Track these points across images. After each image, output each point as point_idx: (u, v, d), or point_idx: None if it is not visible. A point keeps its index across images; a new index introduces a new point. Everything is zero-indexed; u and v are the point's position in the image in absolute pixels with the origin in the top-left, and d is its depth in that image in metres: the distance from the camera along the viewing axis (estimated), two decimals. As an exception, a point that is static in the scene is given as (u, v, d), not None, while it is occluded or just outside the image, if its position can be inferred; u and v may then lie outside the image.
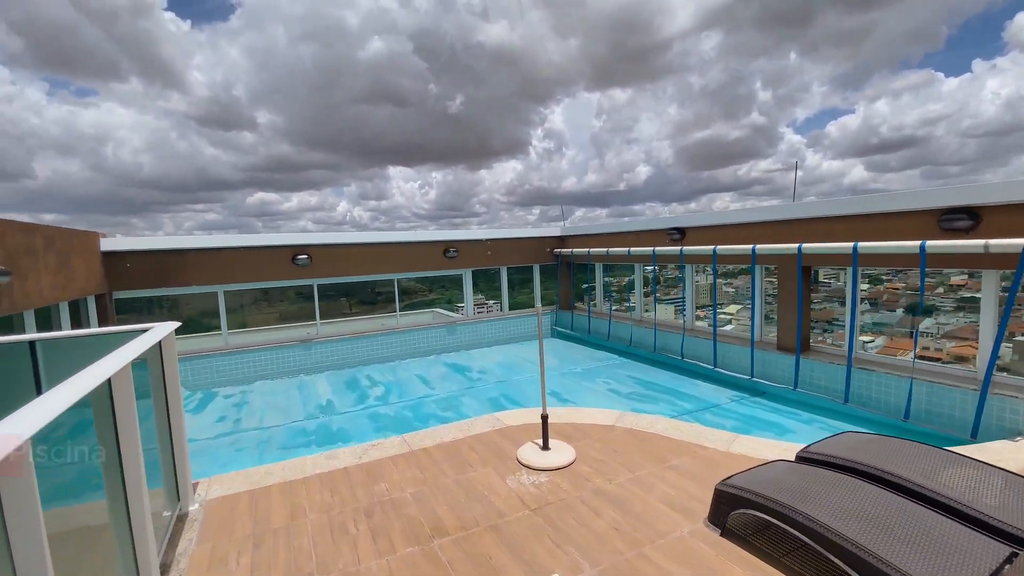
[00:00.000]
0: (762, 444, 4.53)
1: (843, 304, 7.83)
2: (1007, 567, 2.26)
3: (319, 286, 11.15)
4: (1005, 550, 2.36)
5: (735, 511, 3.05)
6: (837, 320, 7.99)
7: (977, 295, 6.03)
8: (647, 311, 11.20)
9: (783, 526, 2.74)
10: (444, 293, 13.16)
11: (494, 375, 9.43)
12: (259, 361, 10.20)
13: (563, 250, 13.17)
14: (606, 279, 12.83)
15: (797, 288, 7.34)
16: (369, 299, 12.14)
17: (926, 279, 5.89)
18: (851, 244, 6.53)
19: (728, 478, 3.28)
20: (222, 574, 3.03)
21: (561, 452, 4.45)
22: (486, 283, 13.17)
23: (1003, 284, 5.64)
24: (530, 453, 4.46)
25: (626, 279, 11.84)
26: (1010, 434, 5.20)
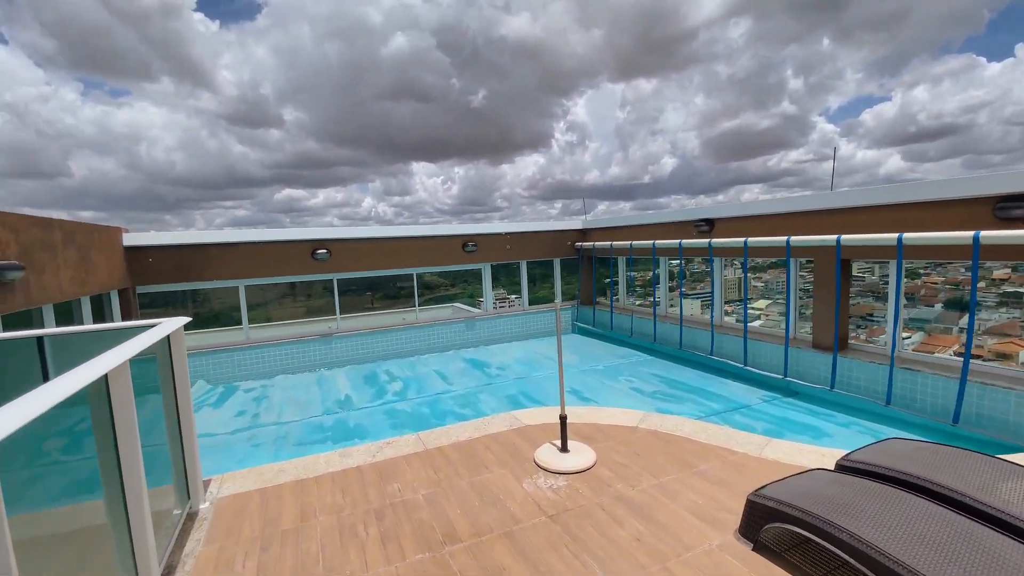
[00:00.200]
0: (797, 449, 4.26)
1: (878, 299, 7.41)
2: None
3: (344, 281, 11.23)
4: (1086, 580, 2.10)
5: (769, 524, 2.84)
6: (872, 316, 7.60)
7: (1022, 290, 5.62)
8: (672, 306, 10.87)
9: (823, 543, 2.52)
10: (467, 288, 13.08)
11: (513, 371, 9.29)
12: (280, 355, 10.32)
13: (584, 244, 12.91)
14: (630, 273, 12.53)
15: (835, 282, 6.96)
16: (393, 293, 12.15)
17: (966, 273, 5.49)
18: (895, 235, 6.13)
19: (761, 488, 3.06)
20: (228, 577, 2.97)
21: (581, 454, 4.28)
22: (508, 277, 13.04)
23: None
24: (548, 455, 4.31)
25: (651, 273, 11.51)
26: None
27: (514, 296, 13.17)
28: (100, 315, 8.16)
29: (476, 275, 12.73)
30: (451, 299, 13.16)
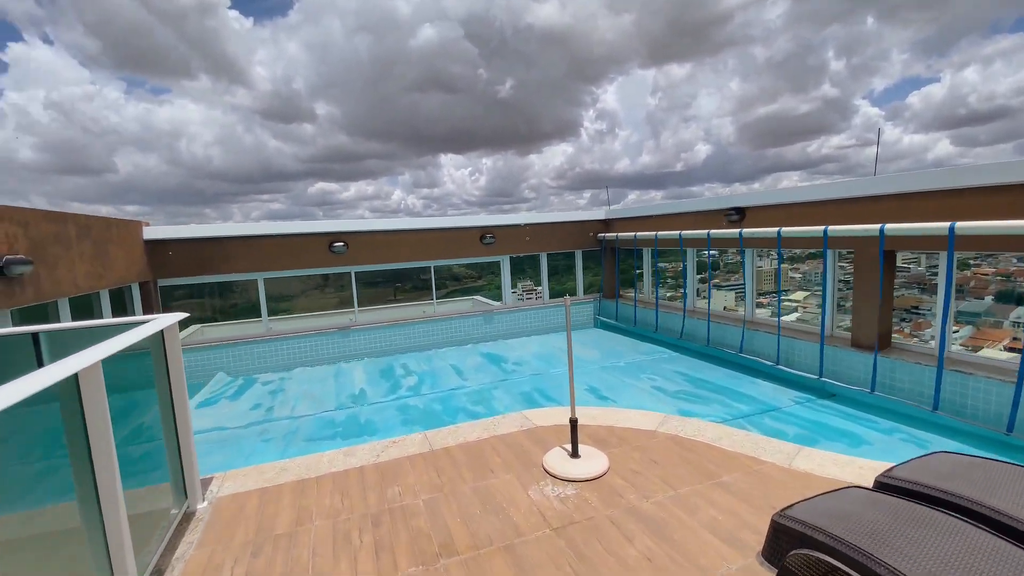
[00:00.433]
0: (831, 460, 3.92)
1: (923, 291, 6.88)
2: None
3: (370, 273, 11.22)
4: None
5: (796, 550, 2.55)
6: (917, 309, 7.08)
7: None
8: (702, 297, 10.42)
9: (859, 576, 2.22)
10: (494, 279, 12.86)
11: (530, 367, 9.08)
12: (299, 348, 10.39)
13: (607, 235, 12.53)
14: (660, 265, 12.11)
15: (878, 275, 6.46)
16: (421, 285, 12.10)
17: (1018, 264, 4.95)
18: (946, 224, 5.60)
19: (789, 508, 2.76)
20: (214, 585, 2.88)
21: (592, 460, 4.05)
22: (533, 269, 12.79)
23: None
24: (558, 460, 4.09)
25: (680, 266, 11.08)
26: None
27: (540, 288, 12.94)
28: (121, 308, 8.33)
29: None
30: (478, 291, 12.98)
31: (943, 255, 5.95)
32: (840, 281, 7.50)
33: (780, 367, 7.60)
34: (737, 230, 8.43)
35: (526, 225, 12.09)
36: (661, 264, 12.02)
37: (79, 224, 6.43)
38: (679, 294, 10.89)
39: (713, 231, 9.03)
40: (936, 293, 6.19)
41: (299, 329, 10.57)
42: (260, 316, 10.78)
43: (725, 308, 10.38)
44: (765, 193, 8.46)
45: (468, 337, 11.52)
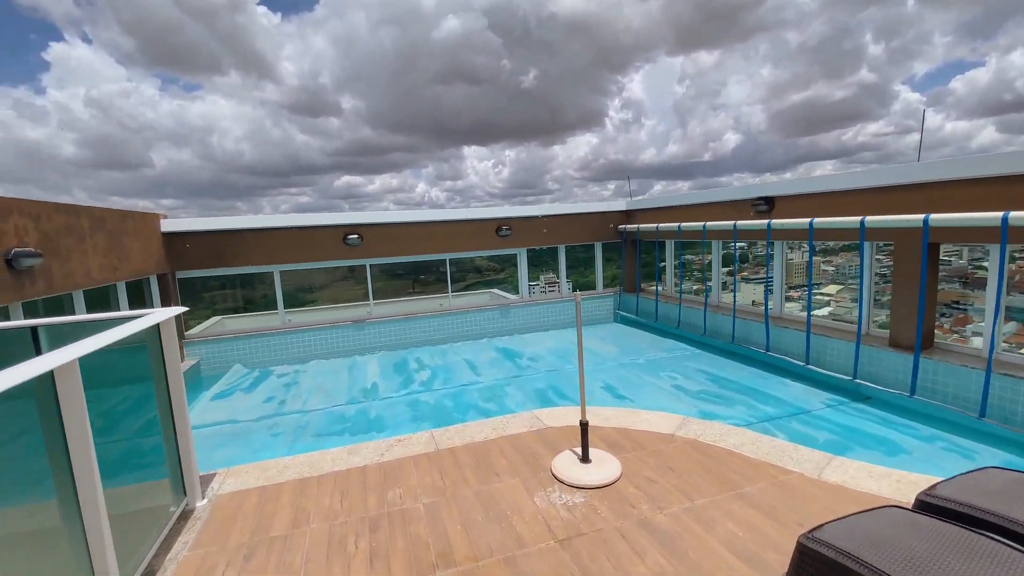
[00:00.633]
0: (866, 471, 3.62)
1: (965, 285, 6.44)
2: None
3: (392, 264, 11.20)
4: None
5: (825, 578, 2.30)
6: (958, 304, 6.62)
7: None
8: (727, 292, 10.03)
9: (898, 613, 1.98)
10: (515, 271, 12.62)
11: (545, 363, 8.89)
12: (315, 341, 10.43)
13: (628, 226, 12.18)
14: (685, 257, 11.72)
15: (920, 270, 6.02)
16: (443, 277, 12.03)
17: None
18: (998, 214, 5.15)
19: (818, 528, 2.51)
20: (202, 590, 2.80)
21: (604, 466, 3.84)
22: (555, 261, 12.55)
23: None
24: (567, 464, 3.90)
25: (704, 258, 10.68)
26: None
27: (559, 281, 12.71)
28: (139, 300, 8.46)
29: (531, 259, 12.35)
30: (500, 283, 12.82)
31: (994, 248, 5.49)
32: (875, 274, 7.06)
33: (810, 367, 7.22)
34: (766, 221, 8.03)
35: (544, 217, 11.83)
36: (686, 256, 11.63)
37: (93, 216, 6.49)
38: (703, 287, 10.51)
39: (740, 222, 8.63)
40: (978, 288, 5.74)
41: (315, 322, 10.61)
42: (272, 310, 10.87)
43: (753, 303, 9.98)
44: (796, 181, 8.02)
45: (483, 331, 11.38)
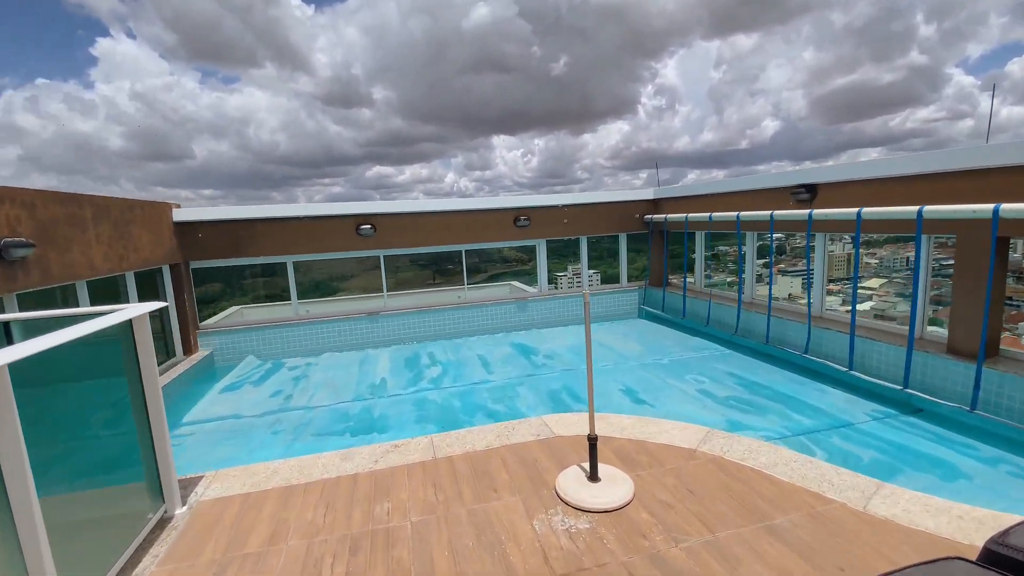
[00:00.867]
0: (921, 504, 3.14)
1: (1019, 280, 5.78)
2: None
3: (414, 255, 11.08)
4: None
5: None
6: (1011, 300, 5.96)
7: None
8: (762, 285, 9.41)
9: None
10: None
11: (561, 361, 8.51)
12: (328, 333, 10.33)
13: (655, 216, 11.61)
14: (719, 249, 11.10)
15: (986, 267, 5.36)
16: (470, 268, 11.79)
17: None
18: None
19: (864, 586, 2.09)
20: (158, 617, 2.58)
21: (614, 486, 3.47)
22: (589, 251, 12.10)
23: None
24: (572, 483, 3.55)
25: (737, 251, 10.07)
26: None
27: (592, 272, 12.25)
28: (151, 290, 8.47)
29: (556, 249, 11.96)
30: (528, 274, 12.45)
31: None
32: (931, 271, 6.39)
33: (853, 373, 6.62)
34: (807, 211, 7.39)
35: (564, 206, 11.37)
36: (722, 247, 10.99)
37: (96, 206, 6.42)
38: (735, 281, 9.89)
39: (777, 212, 8.00)
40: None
41: (330, 314, 10.50)
42: (308, 298, 10.84)
43: (790, 295, 9.35)
44: (842, 167, 7.34)
45: (500, 325, 11.07)
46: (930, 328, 6.43)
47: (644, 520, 3.15)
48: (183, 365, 8.54)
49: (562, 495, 3.45)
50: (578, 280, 12.19)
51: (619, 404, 6.40)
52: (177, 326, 8.98)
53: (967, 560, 2.25)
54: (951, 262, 6.30)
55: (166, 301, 8.75)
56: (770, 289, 8.40)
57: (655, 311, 11.57)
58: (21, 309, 5.34)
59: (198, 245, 9.55)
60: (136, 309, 3.34)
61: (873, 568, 2.58)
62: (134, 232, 7.38)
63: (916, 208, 5.79)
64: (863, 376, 6.50)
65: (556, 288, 12.24)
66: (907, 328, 6.53)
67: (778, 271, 9.48)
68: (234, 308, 11.21)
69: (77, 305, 6.25)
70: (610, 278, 12.35)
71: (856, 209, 6.55)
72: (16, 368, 2.20)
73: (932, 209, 5.66)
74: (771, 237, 8.82)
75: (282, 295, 10.81)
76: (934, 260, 6.41)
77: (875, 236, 7.61)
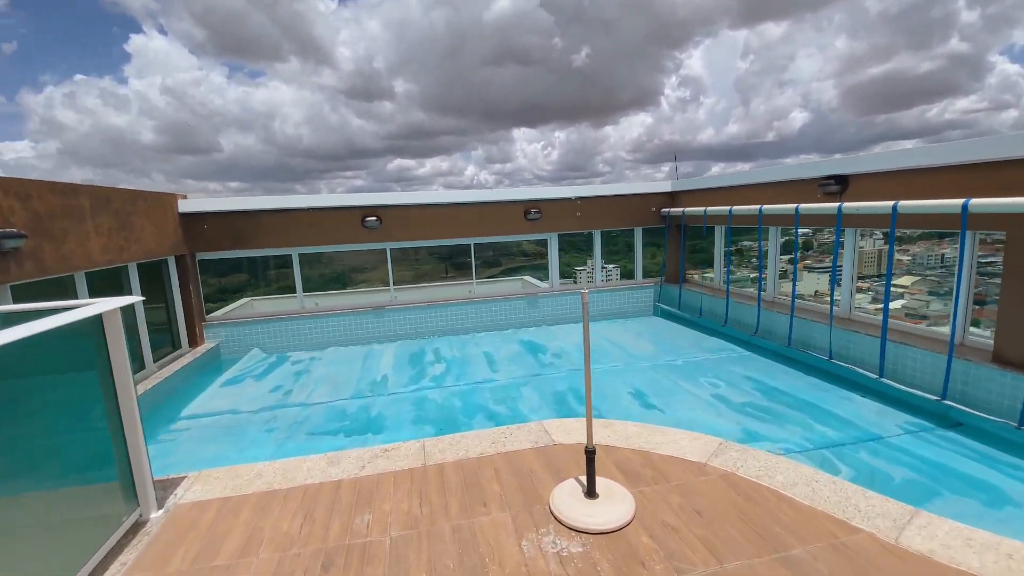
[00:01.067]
0: (963, 537, 2.79)
1: None
2: None
3: (433, 249, 11.00)
4: None
5: None
6: None
7: None
8: (785, 281, 8.94)
9: None
10: (563, 256, 11.91)
11: (569, 360, 8.21)
12: (334, 327, 10.23)
13: (673, 209, 11.18)
14: (742, 244, 10.62)
15: (1037, 268, 4.88)
16: (490, 261, 11.58)
17: None
18: None
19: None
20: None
21: (613, 504, 3.19)
22: (607, 245, 11.74)
23: None
24: (568, 499, 3.28)
25: (759, 246, 9.60)
26: None
27: (612, 265, 11.90)
28: (156, 282, 8.45)
29: (576, 243, 11.65)
30: (546, 268, 12.17)
31: None
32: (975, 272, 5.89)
33: (884, 380, 6.17)
34: (836, 204, 6.93)
35: (577, 199, 11.00)
36: (745, 242, 10.51)
37: (95, 196, 6.34)
38: (755, 279, 9.44)
39: (803, 205, 7.55)
40: None
41: (336, 307, 10.39)
42: (323, 290, 10.75)
43: (816, 292, 8.86)
44: (875, 156, 6.85)
45: (509, 321, 10.82)
46: (972, 330, 5.95)
47: (644, 545, 2.86)
48: (187, 357, 8.50)
49: (555, 512, 3.19)
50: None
51: (627, 408, 6.09)
52: (183, 318, 8.96)
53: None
54: (991, 259, 5.81)
55: (167, 293, 8.71)
56: (793, 288, 7.95)
57: (671, 309, 11.17)
58: (16, 301, 5.28)
59: (203, 236, 9.49)
60: (105, 304, 3.18)
61: (905, 614, 2.25)
62: (136, 223, 7.31)
63: (961, 201, 5.32)
64: (895, 384, 6.05)
65: (575, 282, 11.92)
66: (943, 331, 6.07)
67: (803, 267, 8.99)
68: (244, 300, 11.18)
69: (76, 297, 6.21)
70: (628, 273, 11.98)
71: (892, 202, 6.09)
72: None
73: (979, 202, 5.18)
74: (796, 232, 8.35)
75: (295, 287, 10.74)
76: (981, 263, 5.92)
77: (908, 232, 7.11)
